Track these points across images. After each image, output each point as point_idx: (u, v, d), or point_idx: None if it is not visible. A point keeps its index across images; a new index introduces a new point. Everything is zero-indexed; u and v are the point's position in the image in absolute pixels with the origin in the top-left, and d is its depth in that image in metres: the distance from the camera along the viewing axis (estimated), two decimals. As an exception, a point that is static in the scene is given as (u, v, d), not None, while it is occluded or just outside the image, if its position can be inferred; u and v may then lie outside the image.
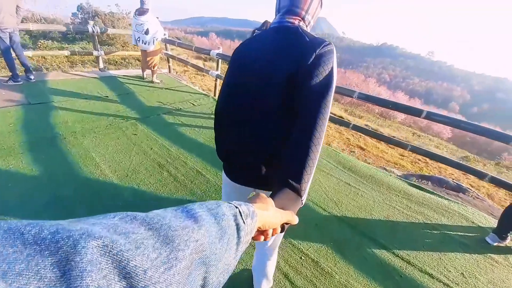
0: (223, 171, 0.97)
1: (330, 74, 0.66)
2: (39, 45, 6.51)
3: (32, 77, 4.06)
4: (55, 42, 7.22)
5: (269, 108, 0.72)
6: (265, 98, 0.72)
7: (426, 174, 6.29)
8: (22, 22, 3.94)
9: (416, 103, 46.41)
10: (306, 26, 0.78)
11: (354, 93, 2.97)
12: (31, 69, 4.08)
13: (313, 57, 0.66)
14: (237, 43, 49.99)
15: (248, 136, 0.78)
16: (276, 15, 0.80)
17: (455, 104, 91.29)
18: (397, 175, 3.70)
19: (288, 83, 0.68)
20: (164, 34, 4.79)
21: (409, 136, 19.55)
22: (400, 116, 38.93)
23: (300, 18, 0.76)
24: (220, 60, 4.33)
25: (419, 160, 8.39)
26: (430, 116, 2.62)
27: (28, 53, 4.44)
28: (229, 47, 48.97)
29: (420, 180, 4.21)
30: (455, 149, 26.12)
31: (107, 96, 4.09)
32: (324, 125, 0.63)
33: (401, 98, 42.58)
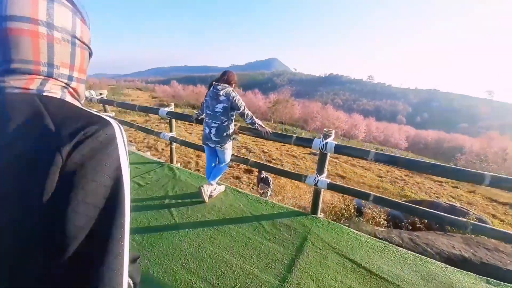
0: None
1: (112, 187, 0.34)
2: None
3: None
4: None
5: None
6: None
7: (414, 199, 6.27)
8: None
9: (371, 121, 51.43)
10: (66, 90, 0.42)
11: (369, 153, 1.83)
12: None
13: (57, 163, 0.31)
14: (200, 88, 51.53)
15: None
16: None
17: (401, 116, 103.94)
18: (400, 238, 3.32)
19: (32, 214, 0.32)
20: (100, 94, 4.01)
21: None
22: (361, 135, 42.09)
23: (43, 78, 0.39)
24: (173, 120, 3.32)
25: (396, 179, 8.54)
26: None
27: None
28: (192, 91, 50.03)
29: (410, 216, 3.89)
30: (414, 156, 28.39)
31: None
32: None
33: (357, 118, 46.83)
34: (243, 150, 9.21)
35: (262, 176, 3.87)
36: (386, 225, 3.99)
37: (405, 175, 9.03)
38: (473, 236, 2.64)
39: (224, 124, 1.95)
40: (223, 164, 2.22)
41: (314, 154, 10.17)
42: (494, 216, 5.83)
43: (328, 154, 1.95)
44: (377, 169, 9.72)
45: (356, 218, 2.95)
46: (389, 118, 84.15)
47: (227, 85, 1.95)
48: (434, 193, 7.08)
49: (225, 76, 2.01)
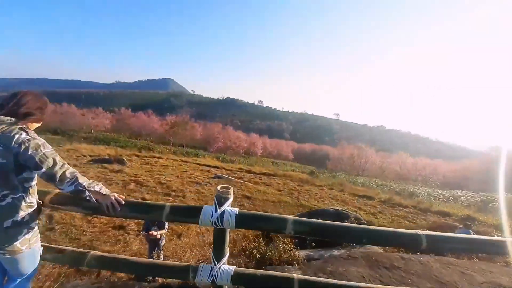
0: None
1: None
2: None
3: None
4: None
5: None
6: None
7: (308, 206, 7.06)
8: None
9: (265, 139, 58.73)
10: None
11: (286, 224, 1.16)
12: None
13: None
14: (67, 107, 39.60)
15: None
16: None
17: (286, 133, 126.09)
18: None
19: None
20: None
21: (271, 166, 23.28)
22: (259, 151, 46.57)
23: None
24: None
25: (292, 190, 9.57)
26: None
27: None
28: (54, 111, 37.31)
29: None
30: (300, 165, 34.28)
31: None
32: None
33: (254, 137, 52.13)
34: (132, 186, 7.40)
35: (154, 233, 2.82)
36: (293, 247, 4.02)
37: (298, 185, 10.32)
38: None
39: (5, 203, 0.93)
40: (19, 281, 1.08)
41: (219, 177, 9.77)
42: (359, 208, 7.49)
43: (228, 230, 1.20)
44: (276, 183, 10.58)
45: (270, 252, 2.64)
46: (278, 136, 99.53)
47: (10, 120, 0.95)
48: (320, 197, 8.37)
49: (13, 101, 0.99)
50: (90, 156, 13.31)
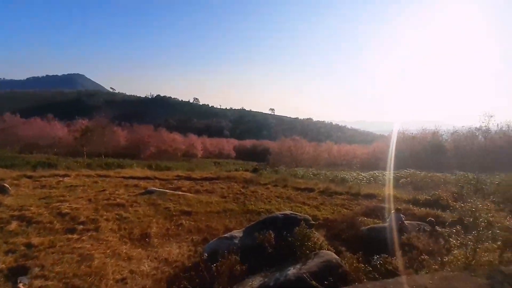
0: None
1: None
2: None
3: None
4: None
5: None
6: None
7: (256, 211, 6.54)
8: None
9: (205, 139, 56.27)
10: None
11: None
12: None
13: None
14: None
15: None
16: None
17: (226, 131, 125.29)
18: None
19: None
20: None
21: (215, 169, 22.18)
22: (199, 152, 44.22)
23: None
24: None
25: (237, 194, 8.94)
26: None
27: None
28: None
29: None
30: (245, 163, 34.33)
31: None
32: None
33: (193, 138, 49.13)
34: (14, 225, 5.15)
35: None
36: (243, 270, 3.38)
37: (243, 187, 9.81)
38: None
39: None
40: None
41: (150, 192, 8.17)
42: (304, 203, 7.56)
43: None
44: (220, 188, 9.75)
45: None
46: (218, 134, 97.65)
47: None
48: (266, 198, 8.08)
49: None
50: None
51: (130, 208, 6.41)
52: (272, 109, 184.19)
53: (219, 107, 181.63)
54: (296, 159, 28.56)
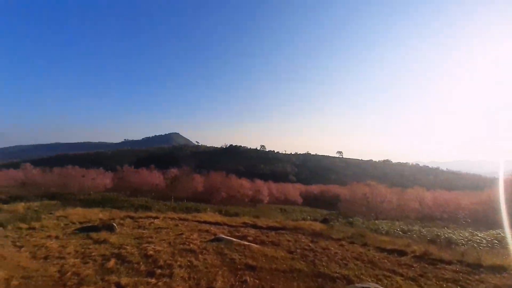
0: None
1: None
2: None
3: None
4: None
5: None
6: None
7: (328, 275, 5.54)
8: None
9: (270, 184, 56.66)
10: None
11: None
12: None
13: None
14: (70, 169, 39.82)
15: None
16: None
17: (292, 176, 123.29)
18: None
19: None
20: None
21: (280, 216, 21.32)
22: (265, 198, 44.31)
23: None
24: None
25: (306, 249, 8.00)
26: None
27: None
28: (58, 174, 37.57)
29: None
30: (313, 211, 31.80)
31: None
32: None
33: (259, 183, 50.24)
34: (111, 263, 6.12)
35: None
36: None
37: (311, 241, 8.77)
38: None
39: None
40: None
41: (219, 240, 8.39)
42: (394, 272, 5.93)
43: None
44: (286, 240, 9.04)
45: None
46: (283, 179, 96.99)
47: None
48: (341, 259, 6.81)
49: None
50: (80, 223, 12.12)
51: (200, 256, 6.62)
52: (339, 152, 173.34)
53: (284, 152, 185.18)
54: (374, 208, 24.24)
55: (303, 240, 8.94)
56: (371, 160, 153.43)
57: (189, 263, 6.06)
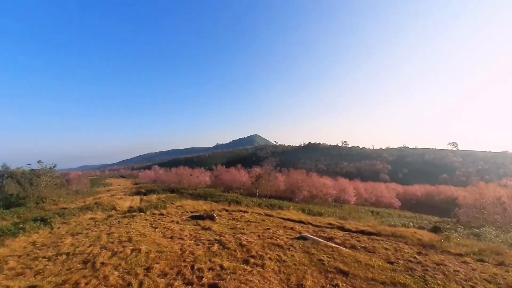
0: None
1: None
2: None
3: None
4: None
5: None
6: None
7: None
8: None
9: (357, 183, 51.10)
10: None
11: None
12: None
13: None
14: (182, 169, 50.53)
15: None
16: None
17: (384, 174, 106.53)
18: None
19: None
20: None
21: (372, 220, 18.92)
22: (352, 199, 40.58)
23: None
24: None
25: (411, 261, 6.74)
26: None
27: None
28: (175, 173, 48.72)
29: None
30: (414, 216, 26.58)
31: None
32: None
33: (343, 181, 46.26)
34: (215, 247, 7.30)
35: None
36: None
37: (418, 253, 7.31)
38: None
39: None
40: None
41: (304, 238, 8.41)
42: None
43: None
44: (383, 248, 7.95)
45: None
46: (373, 178, 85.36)
47: None
48: (465, 279, 5.34)
49: None
50: (191, 212, 15.08)
51: (288, 252, 6.86)
52: (453, 143, 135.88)
53: (371, 147, 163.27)
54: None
55: (406, 250, 7.60)
56: (506, 152, 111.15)
57: (278, 257, 6.41)
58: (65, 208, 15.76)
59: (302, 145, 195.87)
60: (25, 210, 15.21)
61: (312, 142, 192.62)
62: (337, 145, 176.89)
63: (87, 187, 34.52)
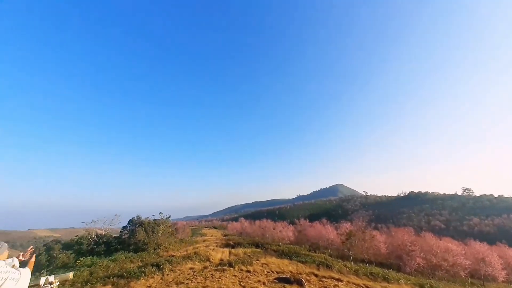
0: None
1: None
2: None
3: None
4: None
5: None
6: None
7: None
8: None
9: (503, 249, 34.82)
10: None
11: None
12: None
13: None
14: (265, 222, 50.88)
15: None
16: None
17: (558, 239, 69.24)
18: None
19: None
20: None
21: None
22: (500, 273, 27.69)
23: None
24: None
25: None
26: None
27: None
28: (258, 226, 49.54)
29: None
30: None
31: None
32: None
33: (478, 247, 32.34)
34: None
35: None
36: None
37: None
38: None
39: None
40: None
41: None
42: None
43: None
44: None
45: None
46: (535, 243, 56.49)
47: None
48: None
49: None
50: (277, 272, 14.22)
51: None
52: None
53: (506, 195, 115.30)
54: None
55: None
56: None
57: None
58: (173, 256, 18.30)
59: (402, 195, 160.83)
60: (146, 255, 18.66)
61: (415, 191, 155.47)
62: (455, 194, 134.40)
63: (189, 236, 39.59)
